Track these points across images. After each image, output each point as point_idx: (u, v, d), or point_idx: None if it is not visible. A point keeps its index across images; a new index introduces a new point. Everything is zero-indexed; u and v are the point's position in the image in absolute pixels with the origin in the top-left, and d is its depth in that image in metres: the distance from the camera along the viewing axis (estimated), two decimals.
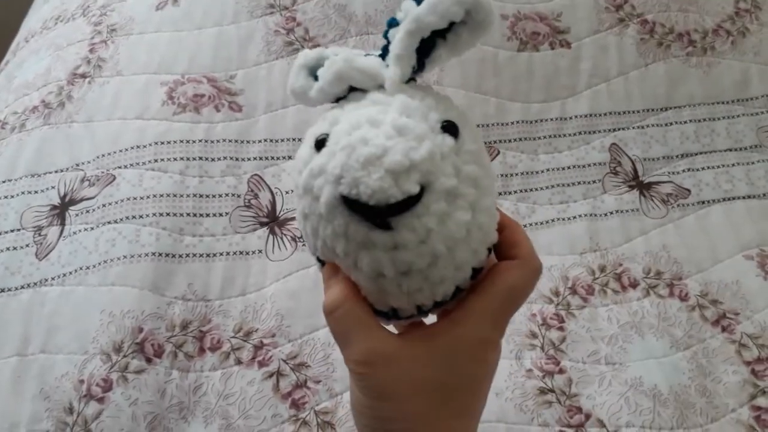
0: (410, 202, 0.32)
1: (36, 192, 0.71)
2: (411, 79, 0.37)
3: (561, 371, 0.59)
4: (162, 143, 0.72)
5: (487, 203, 0.35)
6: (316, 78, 0.38)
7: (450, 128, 0.34)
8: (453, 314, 0.35)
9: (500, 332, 0.35)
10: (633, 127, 0.77)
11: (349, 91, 0.37)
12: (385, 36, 0.36)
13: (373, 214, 0.32)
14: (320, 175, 0.34)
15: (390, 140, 0.32)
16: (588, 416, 0.56)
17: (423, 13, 0.34)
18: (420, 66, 0.36)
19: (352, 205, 0.33)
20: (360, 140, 0.33)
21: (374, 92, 0.36)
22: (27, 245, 0.67)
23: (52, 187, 0.71)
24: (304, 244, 0.67)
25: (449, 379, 0.34)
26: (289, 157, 0.73)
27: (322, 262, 0.38)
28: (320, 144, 0.35)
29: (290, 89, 0.39)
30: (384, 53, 0.37)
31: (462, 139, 0.35)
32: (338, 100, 0.38)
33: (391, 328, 0.39)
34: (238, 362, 0.60)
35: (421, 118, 0.34)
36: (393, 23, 0.36)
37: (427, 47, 0.35)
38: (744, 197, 0.72)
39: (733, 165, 0.74)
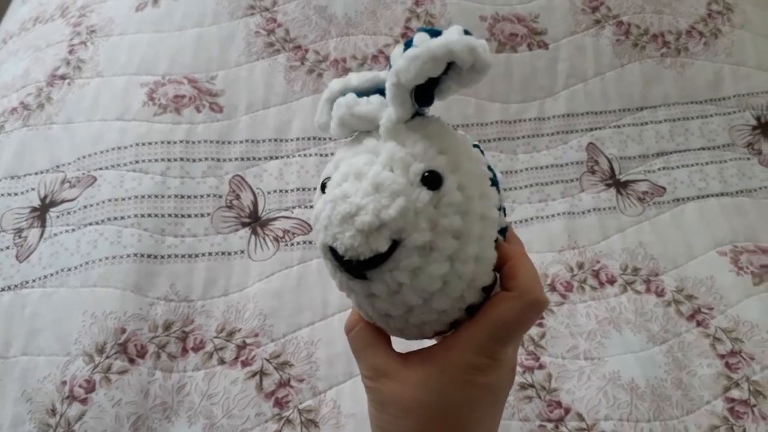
0: (379, 259, 0.34)
1: (16, 194, 0.70)
2: (417, 114, 0.37)
3: (541, 367, 0.60)
4: (143, 144, 0.72)
5: (472, 251, 0.35)
6: None
7: (431, 180, 0.34)
8: (447, 340, 0.37)
9: (490, 358, 0.36)
10: (609, 127, 0.78)
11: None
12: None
13: (350, 267, 0.34)
14: (317, 220, 0.36)
15: (366, 198, 0.34)
16: (567, 410, 0.57)
17: (401, 70, 0.33)
18: (428, 100, 0.35)
19: (335, 254, 0.35)
20: (342, 196, 0.34)
21: (371, 137, 0.37)
22: (7, 247, 0.67)
23: (32, 189, 0.71)
24: (286, 244, 0.68)
25: (440, 401, 0.36)
26: (271, 158, 0.74)
27: None
28: (323, 187, 0.36)
29: (315, 123, 0.40)
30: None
31: (444, 189, 0.34)
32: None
33: None
34: (221, 362, 0.60)
35: (403, 170, 0.34)
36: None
37: (433, 80, 0.34)
38: (717, 195, 0.73)
39: (707, 163, 0.76)
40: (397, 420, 0.36)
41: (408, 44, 0.34)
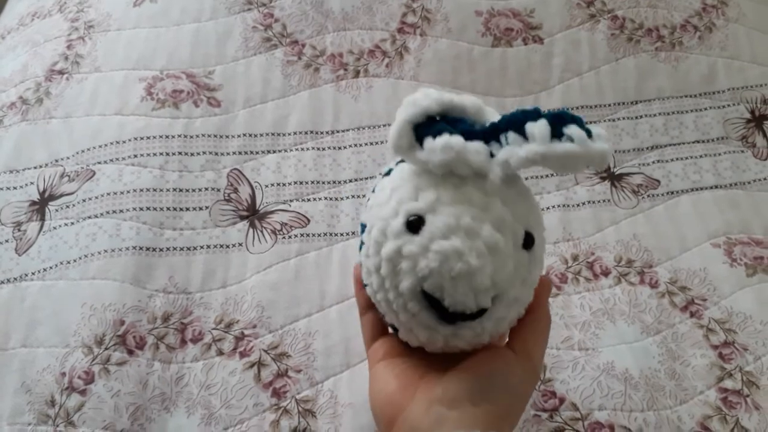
0: (481, 313, 0.36)
1: (15, 188, 0.71)
2: None
3: None
4: (141, 138, 0.73)
5: (530, 296, 0.40)
6: (418, 135, 0.37)
7: (528, 241, 0.37)
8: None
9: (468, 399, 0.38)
10: (604, 120, 0.79)
11: None
12: (504, 123, 0.36)
13: (448, 316, 0.36)
14: (409, 260, 0.36)
15: (481, 259, 0.35)
16: (562, 400, 0.58)
17: (550, 157, 0.34)
18: None
19: (430, 299, 0.36)
20: (454, 253, 0.35)
21: (473, 186, 0.37)
22: (6, 241, 0.67)
23: (31, 183, 0.71)
24: (284, 237, 0.68)
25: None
26: (268, 152, 0.74)
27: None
28: (414, 226, 0.36)
29: (393, 146, 0.38)
30: (491, 134, 0.36)
31: (535, 247, 0.38)
32: None
33: None
34: (220, 353, 0.61)
35: (511, 234, 0.36)
36: (517, 120, 0.36)
37: None
38: (711, 187, 0.74)
39: (701, 156, 0.77)
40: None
41: (555, 121, 0.35)
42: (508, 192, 0.37)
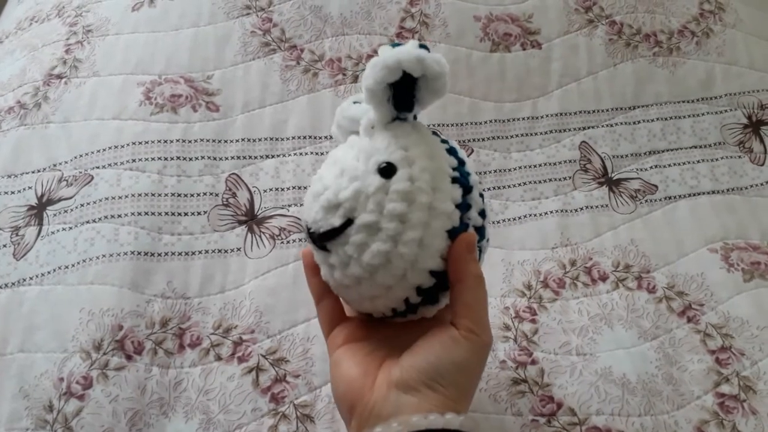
0: (333, 233, 0.40)
1: (13, 192, 0.71)
2: (397, 118, 0.42)
3: (533, 362, 0.61)
4: (140, 143, 0.73)
5: (414, 235, 0.39)
6: None
7: (386, 170, 0.40)
8: (401, 359, 0.41)
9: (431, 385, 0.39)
10: (602, 126, 0.79)
11: None
12: None
13: (313, 238, 0.42)
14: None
15: (332, 180, 0.41)
16: (560, 405, 0.58)
17: (365, 76, 0.40)
18: (407, 106, 0.41)
19: (307, 228, 0.42)
20: (318, 178, 0.42)
21: (355, 135, 0.43)
22: (4, 245, 0.67)
23: (29, 188, 0.71)
24: (282, 242, 0.68)
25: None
26: (267, 156, 0.74)
27: None
28: None
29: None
30: None
31: (395, 178, 0.40)
32: None
33: None
34: (218, 358, 0.61)
35: (365, 160, 0.40)
36: None
37: (409, 89, 0.40)
38: (708, 192, 0.74)
39: (698, 161, 0.77)
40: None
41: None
42: (384, 133, 0.41)
